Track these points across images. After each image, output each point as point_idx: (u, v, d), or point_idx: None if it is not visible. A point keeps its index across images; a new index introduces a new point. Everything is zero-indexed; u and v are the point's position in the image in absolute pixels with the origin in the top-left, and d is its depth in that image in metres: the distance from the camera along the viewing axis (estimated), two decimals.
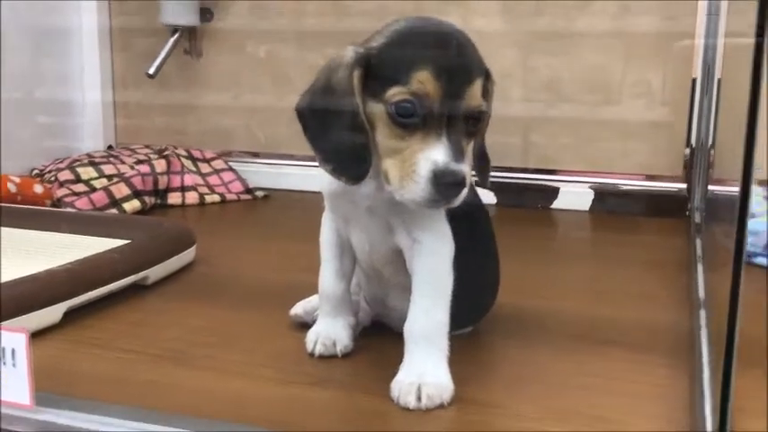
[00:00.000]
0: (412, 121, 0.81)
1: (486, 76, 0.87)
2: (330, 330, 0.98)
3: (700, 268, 1.29)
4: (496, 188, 1.89)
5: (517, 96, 1.90)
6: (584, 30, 1.85)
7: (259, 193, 1.94)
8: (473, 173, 0.90)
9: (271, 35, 2.07)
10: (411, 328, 0.88)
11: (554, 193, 1.87)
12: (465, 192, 0.81)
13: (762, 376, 0.94)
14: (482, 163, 0.93)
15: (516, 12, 1.88)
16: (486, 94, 0.86)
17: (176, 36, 2.07)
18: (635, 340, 1.06)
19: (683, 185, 1.82)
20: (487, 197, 1.88)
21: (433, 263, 0.89)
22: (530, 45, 1.88)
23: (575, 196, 1.86)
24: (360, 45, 0.86)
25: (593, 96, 1.86)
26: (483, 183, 0.94)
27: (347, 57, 0.85)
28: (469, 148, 0.87)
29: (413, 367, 0.86)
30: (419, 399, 0.83)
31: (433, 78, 0.80)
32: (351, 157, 0.84)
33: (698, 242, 1.45)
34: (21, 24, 1.98)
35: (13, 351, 0.79)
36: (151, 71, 2.03)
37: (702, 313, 1.09)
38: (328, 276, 0.99)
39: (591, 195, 1.85)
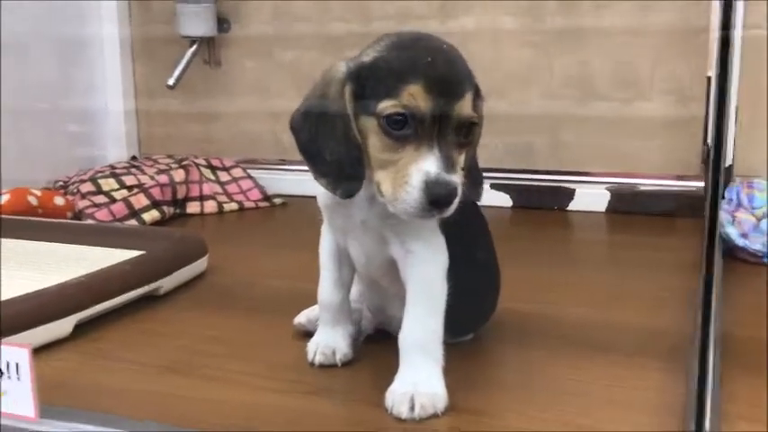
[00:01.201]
0: (403, 133, 0.82)
1: (476, 90, 0.88)
2: (329, 340, 1.00)
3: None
4: (512, 190, 1.88)
5: (538, 95, 1.90)
6: (609, 26, 1.83)
7: (277, 201, 1.96)
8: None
9: (291, 42, 2.09)
10: (405, 338, 0.89)
11: (570, 194, 1.86)
12: (457, 202, 0.82)
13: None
14: (474, 175, 0.93)
15: (540, 9, 1.87)
16: (476, 108, 0.87)
17: (195, 47, 2.09)
18: (637, 345, 1.06)
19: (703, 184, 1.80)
20: (503, 199, 1.88)
21: (426, 273, 0.90)
22: (552, 43, 1.87)
23: (591, 197, 1.85)
24: (352, 59, 0.88)
25: (618, 94, 1.84)
26: (475, 195, 0.94)
27: (339, 72, 0.86)
28: (461, 159, 0.88)
29: (407, 377, 0.87)
30: (412, 408, 0.84)
31: (424, 91, 0.81)
32: (344, 172, 0.86)
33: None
34: (43, 35, 2.03)
35: (17, 365, 0.82)
36: (171, 82, 2.06)
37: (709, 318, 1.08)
38: (327, 286, 1.00)
39: (607, 196, 1.83)
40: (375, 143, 0.84)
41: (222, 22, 2.11)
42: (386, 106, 0.82)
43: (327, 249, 1.01)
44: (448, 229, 0.92)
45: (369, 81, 0.84)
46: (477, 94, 0.88)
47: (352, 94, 0.85)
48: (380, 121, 0.83)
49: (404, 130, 0.82)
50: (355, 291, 1.08)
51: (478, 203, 1.03)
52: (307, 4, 2.05)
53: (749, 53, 1.69)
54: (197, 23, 2.06)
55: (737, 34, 1.72)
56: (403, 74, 0.82)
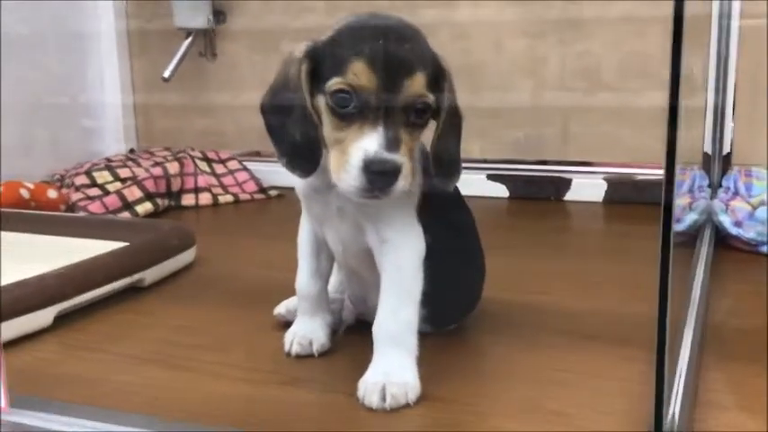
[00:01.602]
0: (348, 111, 0.81)
1: (441, 75, 0.86)
2: (307, 329, 0.99)
3: (701, 261, 1.27)
4: (508, 180, 1.87)
5: (542, 87, 1.88)
6: (615, 16, 1.82)
7: (272, 193, 1.96)
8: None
9: (288, 34, 2.08)
10: (379, 328, 0.88)
11: (567, 184, 1.84)
12: (401, 181, 0.81)
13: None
14: (447, 165, 0.90)
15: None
16: (437, 88, 0.85)
17: (190, 39, 2.09)
18: (621, 335, 1.04)
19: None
20: (499, 190, 1.86)
21: (400, 262, 0.89)
22: (557, 33, 1.86)
23: (588, 188, 1.83)
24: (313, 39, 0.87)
25: (621, 84, 1.82)
26: (444, 185, 0.91)
27: (299, 51, 0.86)
28: (413, 141, 0.85)
29: (379, 367, 0.86)
30: (383, 398, 0.83)
31: (368, 69, 0.80)
32: (301, 150, 0.86)
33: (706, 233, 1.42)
34: (41, 31, 2.04)
35: None
36: (166, 75, 2.06)
37: (693, 306, 1.07)
38: (304, 276, 0.99)
39: (604, 186, 1.81)
40: (326, 122, 0.84)
41: (218, 14, 2.11)
42: (332, 84, 0.82)
43: (306, 239, 1.00)
44: (429, 219, 0.91)
45: (322, 60, 0.84)
46: (441, 78, 0.86)
47: (308, 74, 0.85)
48: (328, 100, 0.82)
49: (349, 108, 0.81)
50: (335, 281, 1.07)
51: (461, 193, 1.02)
52: None
53: (748, 42, 1.67)
54: (192, 15, 2.06)
55: (735, 24, 1.70)
56: (349, 52, 0.82)
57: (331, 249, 0.98)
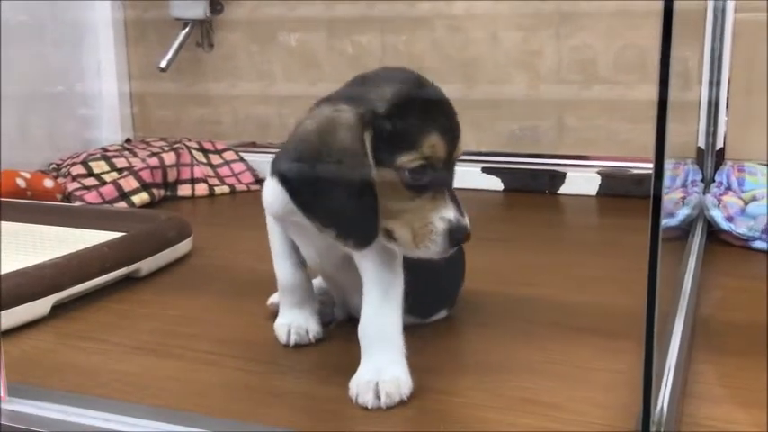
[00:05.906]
0: (423, 182, 0.83)
1: None
2: (300, 319, 1.00)
3: (693, 255, 1.28)
4: (503, 174, 1.88)
5: (537, 80, 1.89)
6: (609, 9, 1.82)
7: None
8: None
9: (285, 24, 2.08)
10: (364, 329, 0.88)
11: (561, 178, 1.85)
12: None
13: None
14: None
15: None
16: None
17: (187, 29, 2.09)
18: (612, 327, 1.05)
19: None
20: (494, 183, 1.87)
21: (380, 262, 0.89)
22: (552, 26, 1.86)
23: (582, 181, 1.84)
24: (350, 103, 0.83)
25: (616, 78, 1.83)
26: None
27: (349, 119, 0.81)
28: None
29: (369, 365, 0.87)
30: (377, 396, 0.83)
31: (442, 141, 0.83)
32: (358, 222, 0.83)
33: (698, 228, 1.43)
34: (38, 20, 2.04)
35: None
36: (163, 65, 2.06)
37: (684, 299, 1.08)
38: (285, 269, 1.00)
39: (598, 180, 1.82)
40: (390, 193, 0.82)
41: (215, 4, 2.11)
42: (409, 159, 0.81)
43: (278, 237, 1.00)
44: None
45: (386, 131, 0.81)
46: None
47: (372, 143, 0.82)
48: (402, 175, 0.82)
49: (424, 179, 0.82)
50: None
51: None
52: None
53: (742, 37, 1.68)
54: (189, 5, 2.06)
55: (729, 18, 1.71)
56: (423, 126, 0.82)
57: (305, 258, 0.99)
